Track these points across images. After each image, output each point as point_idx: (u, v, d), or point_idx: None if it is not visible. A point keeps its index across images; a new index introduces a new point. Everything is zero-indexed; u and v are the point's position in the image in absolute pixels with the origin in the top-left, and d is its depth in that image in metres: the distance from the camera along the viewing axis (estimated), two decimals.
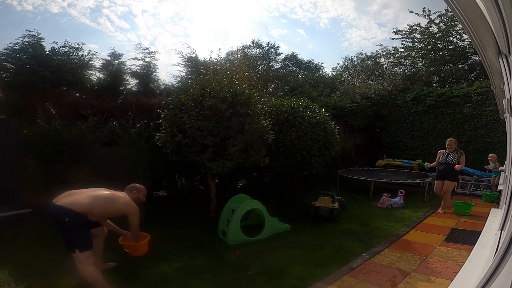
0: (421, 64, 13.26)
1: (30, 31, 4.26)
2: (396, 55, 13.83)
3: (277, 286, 2.70)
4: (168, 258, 3.20)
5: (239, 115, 3.86)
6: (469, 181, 7.21)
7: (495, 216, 2.39)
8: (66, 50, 4.53)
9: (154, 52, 5.31)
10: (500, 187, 4.36)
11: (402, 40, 13.05)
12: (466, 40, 11.16)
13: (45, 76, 3.98)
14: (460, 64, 12.21)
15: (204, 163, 3.83)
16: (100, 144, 4.20)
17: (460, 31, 11.13)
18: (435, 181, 5.71)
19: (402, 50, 13.42)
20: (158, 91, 5.30)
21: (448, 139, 5.54)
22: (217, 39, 26.75)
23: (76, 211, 2.37)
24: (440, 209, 5.48)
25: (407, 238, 4.08)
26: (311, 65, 15.52)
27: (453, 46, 11.91)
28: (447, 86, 11.27)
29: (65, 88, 4.52)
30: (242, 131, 3.88)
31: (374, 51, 15.73)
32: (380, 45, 18.02)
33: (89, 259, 2.40)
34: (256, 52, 14.29)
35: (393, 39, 13.33)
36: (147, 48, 5.23)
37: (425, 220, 4.92)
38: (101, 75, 4.94)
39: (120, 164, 4.12)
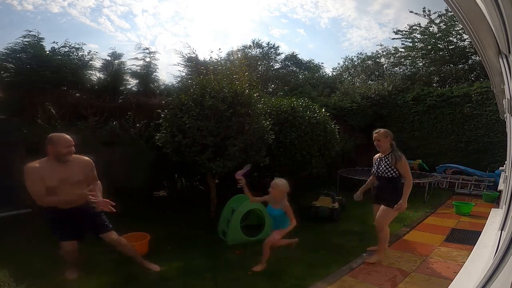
0: (421, 64, 13.27)
1: (30, 31, 4.28)
2: (396, 55, 13.83)
3: (277, 286, 2.70)
4: (168, 258, 3.20)
5: (239, 115, 3.87)
6: (469, 181, 7.21)
7: (495, 216, 2.39)
8: (66, 50, 4.54)
9: (154, 52, 5.33)
10: (500, 187, 4.36)
11: (402, 40, 13.08)
12: (466, 40, 11.17)
13: (45, 76, 3.99)
14: (460, 64, 12.21)
15: (204, 163, 3.83)
16: (100, 144, 4.20)
17: (460, 31, 11.13)
18: (373, 205, 3.48)
19: (402, 50, 13.42)
20: (158, 91, 5.30)
21: (375, 131, 3.29)
22: (217, 39, 26.77)
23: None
24: (373, 257, 3.24)
25: (407, 238, 4.08)
26: (311, 65, 15.53)
27: (453, 46, 11.92)
28: (447, 86, 11.27)
29: (65, 88, 4.52)
30: (242, 131, 3.88)
31: (375, 51, 15.75)
32: (381, 45, 18.04)
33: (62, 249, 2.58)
34: (256, 52, 14.31)
35: (393, 39, 13.36)
36: (147, 48, 5.25)
37: (425, 220, 4.92)
38: (101, 75, 4.95)
39: (120, 164, 4.12)
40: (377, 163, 3.32)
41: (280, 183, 3.09)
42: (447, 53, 12.15)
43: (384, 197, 3.19)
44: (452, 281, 1.37)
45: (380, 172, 3.21)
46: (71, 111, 4.37)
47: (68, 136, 2.57)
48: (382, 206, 3.19)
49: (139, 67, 5.22)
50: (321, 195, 4.86)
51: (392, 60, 14.23)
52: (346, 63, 16.99)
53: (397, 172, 3.10)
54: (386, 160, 3.18)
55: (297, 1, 25.67)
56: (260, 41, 14.51)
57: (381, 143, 3.24)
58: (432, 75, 12.63)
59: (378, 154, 3.41)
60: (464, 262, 1.61)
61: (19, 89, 4.00)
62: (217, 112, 3.79)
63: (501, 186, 3.91)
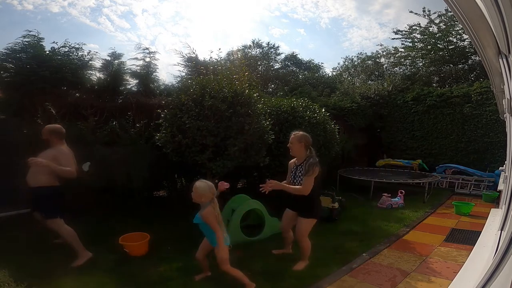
0: (421, 64, 13.28)
1: (30, 31, 4.26)
2: (396, 55, 13.84)
3: (277, 286, 2.70)
4: (168, 258, 3.20)
5: (239, 115, 3.86)
6: (469, 181, 7.21)
7: (495, 216, 2.39)
8: (66, 50, 4.52)
9: (154, 52, 5.31)
10: (500, 187, 4.36)
11: (402, 40, 13.08)
12: (466, 40, 11.17)
13: (45, 76, 3.98)
14: (460, 64, 12.21)
15: (204, 163, 3.83)
16: (100, 144, 4.20)
17: (460, 31, 11.13)
18: (285, 210, 3.29)
19: (402, 50, 13.43)
20: (158, 91, 5.30)
21: (293, 132, 3.09)
22: (217, 39, 26.78)
23: None
24: (298, 264, 3.07)
25: (407, 238, 4.08)
26: (311, 65, 15.53)
27: (453, 46, 11.92)
28: (447, 86, 11.27)
29: (65, 88, 4.51)
30: (242, 131, 3.88)
31: (375, 51, 15.76)
32: (381, 45, 18.02)
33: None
34: (256, 52, 14.31)
35: (393, 39, 13.37)
36: (147, 48, 5.23)
37: (425, 220, 4.92)
38: (101, 75, 4.94)
39: (120, 164, 4.13)
40: (294, 171, 3.13)
41: (200, 186, 2.49)
42: (447, 53, 12.15)
43: (298, 207, 3.10)
44: (452, 281, 1.37)
45: (297, 182, 3.05)
46: (71, 111, 4.36)
47: None
48: (299, 218, 3.09)
49: (139, 67, 5.21)
50: (321, 195, 4.85)
51: (392, 60, 14.24)
52: (346, 63, 17.01)
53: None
54: (301, 169, 3.02)
55: (297, 1, 25.72)
56: (260, 41, 14.54)
57: (293, 146, 3.04)
58: (432, 75, 12.64)
59: (293, 160, 3.19)
60: (464, 262, 1.62)
61: (19, 89, 3.99)
62: (217, 112, 3.79)
63: (501, 186, 3.92)
